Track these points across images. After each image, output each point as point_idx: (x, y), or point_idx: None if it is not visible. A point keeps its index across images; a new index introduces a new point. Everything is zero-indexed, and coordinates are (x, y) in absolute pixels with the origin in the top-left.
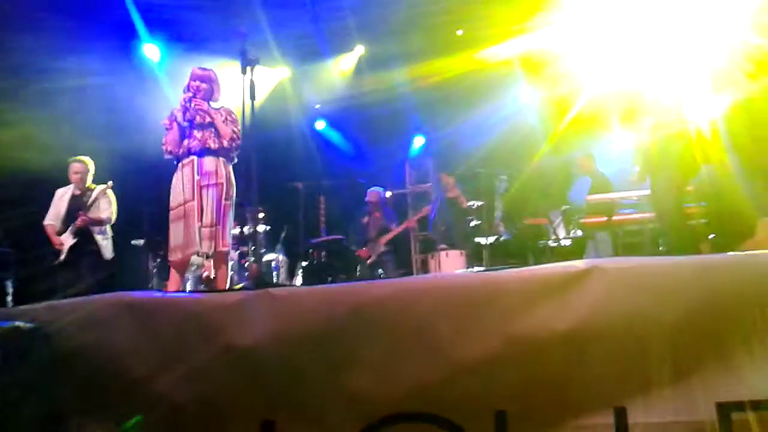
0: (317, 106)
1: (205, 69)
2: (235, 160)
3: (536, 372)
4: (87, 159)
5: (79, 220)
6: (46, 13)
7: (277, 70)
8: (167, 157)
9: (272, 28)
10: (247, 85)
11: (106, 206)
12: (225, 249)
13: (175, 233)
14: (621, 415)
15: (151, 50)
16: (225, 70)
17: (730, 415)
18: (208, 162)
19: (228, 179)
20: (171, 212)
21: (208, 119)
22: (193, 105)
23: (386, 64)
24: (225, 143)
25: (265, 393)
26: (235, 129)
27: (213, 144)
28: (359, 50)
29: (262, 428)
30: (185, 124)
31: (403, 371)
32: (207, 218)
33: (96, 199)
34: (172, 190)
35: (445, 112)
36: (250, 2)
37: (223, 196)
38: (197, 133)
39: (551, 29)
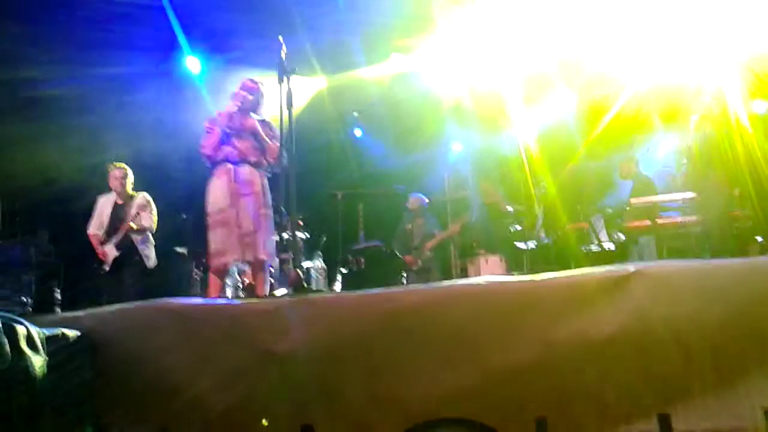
0: (355, 114)
1: (254, 81)
2: (270, 174)
3: (577, 378)
4: (125, 165)
5: (123, 229)
6: (87, 24)
7: (314, 80)
8: (204, 159)
9: (309, 38)
10: (285, 94)
11: (148, 215)
12: (264, 258)
13: (215, 240)
14: (665, 421)
15: (191, 62)
16: (263, 80)
17: None
18: (245, 171)
19: (264, 189)
20: (210, 218)
21: (251, 132)
22: (240, 117)
23: (422, 72)
24: (267, 158)
25: (303, 398)
26: (278, 144)
27: (253, 157)
28: (396, 58)
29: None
30: (228, 130)
31: (441, 377)
32: (246, 227)
33: (138, 209)
34: (209, 197)
35: (483, 118)
36: (287, 13)
37: (261, 206)
38: (238, 143)
39: (588, 30)
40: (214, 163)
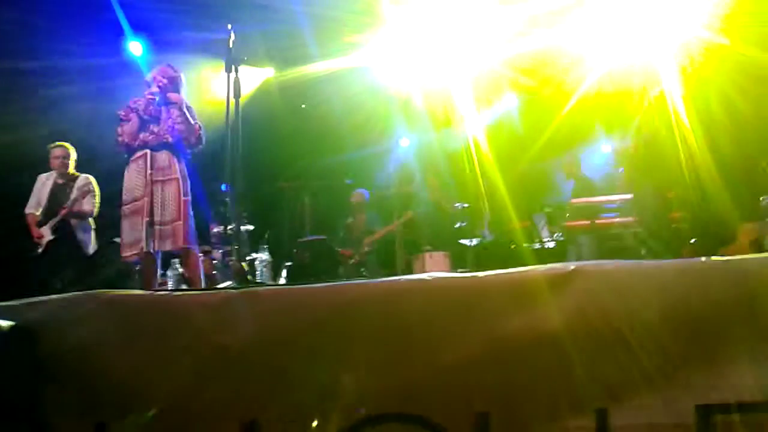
0: (303, 107)
1: (171, 66)
2: (189, 156)
3: (520, 374)
4: (68, 144)
5: (61, 213)
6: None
7: (262, 70)
8: (119, 149)
9: (258, 26)
10: (232, 83)
11: (89, 200)
12: (185, 246)
13: (127, 229)
14: (602, 416)
15: (135, 47)
16: (210, 68)
17: (710, 418)
18: (162, 156)
19: (182, 175)
20: (124, 207)
21: (169, 114)
22: (156, 99)
23: (372, 67)
24: (186, 139)
25: (248, 392)
26: (198, 126)
27: (170, 139)
28: (347, 51)
29: (244, 428)
30: (146, 117)
31: (388, 372)
32: (165, 215)
33: (78, 192)
34: (124, 185)
35: (431, 114)
36: (237, 1)
37: (181, 192)
38: (155, 128)
39: (534, 30)
40: (131, 151)
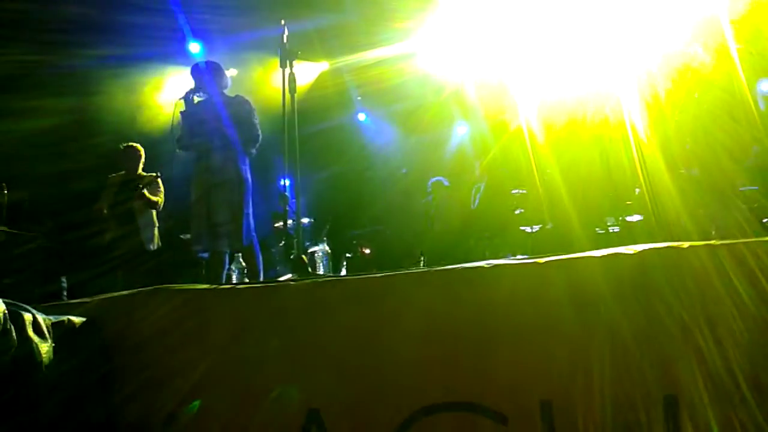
0: (358, 98)
1: (200, 63)
2: (252, 152)
3: (582, 363)
4: (138, 145)
5: (137, 194)
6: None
7: (317, 64)
8: (179, 152)
9: (312, 21)
10: (287, 78)
11: (155, 193)
12: (245, 244)
13: (191, 230)
14: (672, 404)
15: (195, 48)
16: (266, 64)
17: None
18: (216, 159)
19: (238, 174)
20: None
21: (217, 114)
22: (195, 101)
23: (424, 54)
24: (235, 137)
25: (311, 383)
26: (251, 120)
27: (219, 141)
28: (400, 40)
29: (308, 415)
30: (192, 119)
31: (445, 362)
32: (219, 217)
33: (146, 184)
34: (191, 185)
35: (485, 102)
36: None
37: (234, 193)
38: (206, 130)
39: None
40: (191, 154)
